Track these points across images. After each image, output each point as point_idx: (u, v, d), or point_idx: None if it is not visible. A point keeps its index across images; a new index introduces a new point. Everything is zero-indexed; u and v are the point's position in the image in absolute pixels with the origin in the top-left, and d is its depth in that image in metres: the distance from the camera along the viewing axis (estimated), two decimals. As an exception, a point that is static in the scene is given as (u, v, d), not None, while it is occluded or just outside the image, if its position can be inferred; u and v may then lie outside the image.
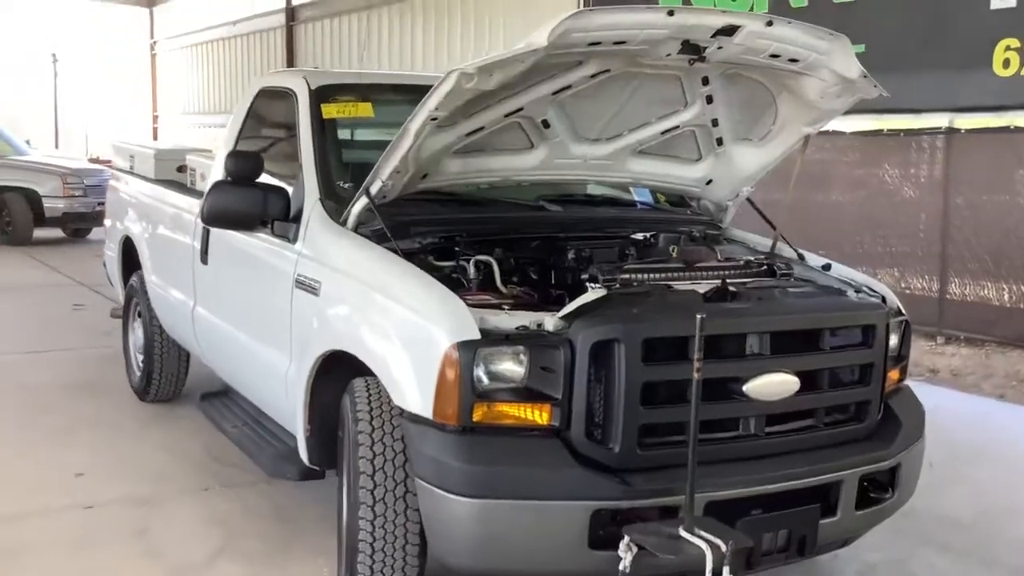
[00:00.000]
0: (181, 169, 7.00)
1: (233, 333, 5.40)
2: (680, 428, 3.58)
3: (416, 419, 3.67)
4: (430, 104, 3.86)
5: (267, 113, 5.69)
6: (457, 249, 4.39)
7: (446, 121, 4.10)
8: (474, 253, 4.36)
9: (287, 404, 4.67)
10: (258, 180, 4.87)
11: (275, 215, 4.75)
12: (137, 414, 6.99)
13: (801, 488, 3.84)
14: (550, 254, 4.53)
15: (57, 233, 16.97)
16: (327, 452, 4.41)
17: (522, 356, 3.61)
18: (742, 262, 4.53)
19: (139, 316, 7.16)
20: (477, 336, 3.57)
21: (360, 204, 4.36)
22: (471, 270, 4.30)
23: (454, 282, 4.23)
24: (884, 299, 4.47)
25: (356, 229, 4.45)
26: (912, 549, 5.06)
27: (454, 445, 3.55)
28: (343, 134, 5.29)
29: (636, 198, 5.63)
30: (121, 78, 29.83)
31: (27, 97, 33.58)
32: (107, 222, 8.18)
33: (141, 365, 7.17)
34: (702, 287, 4.07)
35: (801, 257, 4.97)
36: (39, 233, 16.37)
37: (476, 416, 3.58)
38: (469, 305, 3.78)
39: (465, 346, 3.55)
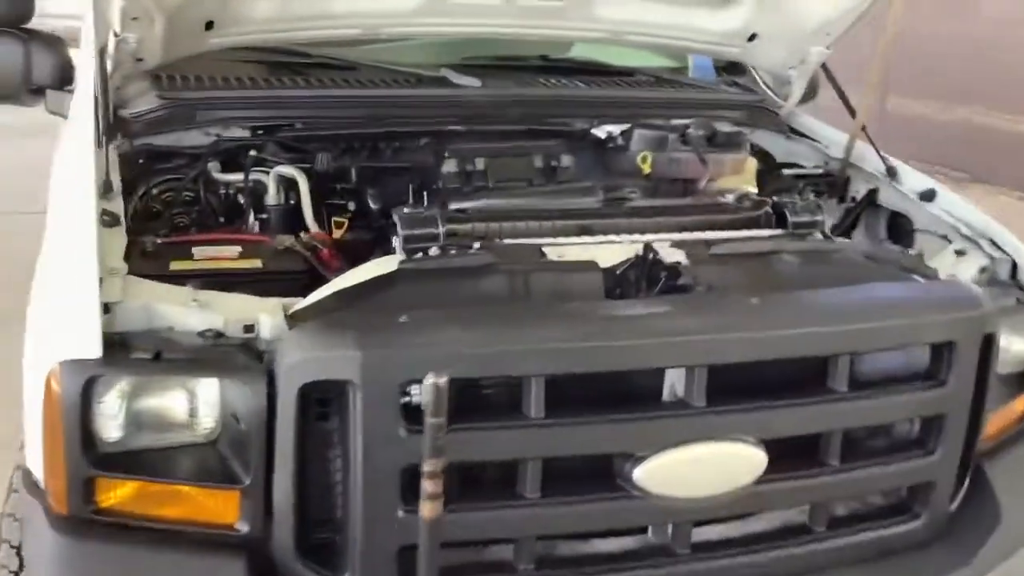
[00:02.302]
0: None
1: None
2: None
3: (30, 486, 2.03)
4: None
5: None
6: (254, 153, 2.63)
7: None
8: (286, 160, 2.62)
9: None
10: (27, 26, 3.19)
11: (45, 80, 3.07)
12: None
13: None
14: (420, 163, 2.70)
15: None
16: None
17: (194, 394, 1.89)
18: (728, 200, 2.55)
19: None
20: (96, 351, 1.84)
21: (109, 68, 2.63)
22: (272, 190, 2.57)
23: (233, 211, 2.54)
24: (1016, 267, 2.43)
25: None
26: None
27: (50, 554, 1.90)
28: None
29: (693, 69, 3.62)
30: None
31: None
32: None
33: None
34: (622, 251, 2.16)
35: (892, 173, 2.91)
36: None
37: (104, 500, 1.90)
38: (168, 275, 2.09)
39: (73, 368, 1.84)
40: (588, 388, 1.90)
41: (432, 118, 2.84)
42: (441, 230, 2.10)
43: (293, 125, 2.78)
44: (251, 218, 2.55)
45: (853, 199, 3.06)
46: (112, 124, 2.71)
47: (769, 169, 3.11)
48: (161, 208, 2.60)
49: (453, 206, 2.54)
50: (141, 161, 2.66)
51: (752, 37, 3.08)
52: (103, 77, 2.54)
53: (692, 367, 1.90)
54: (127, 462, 1.90)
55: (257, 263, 2.21)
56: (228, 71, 2.90)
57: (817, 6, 2.93)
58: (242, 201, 2.57)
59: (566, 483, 1.90)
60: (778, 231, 2.37)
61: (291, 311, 1.96)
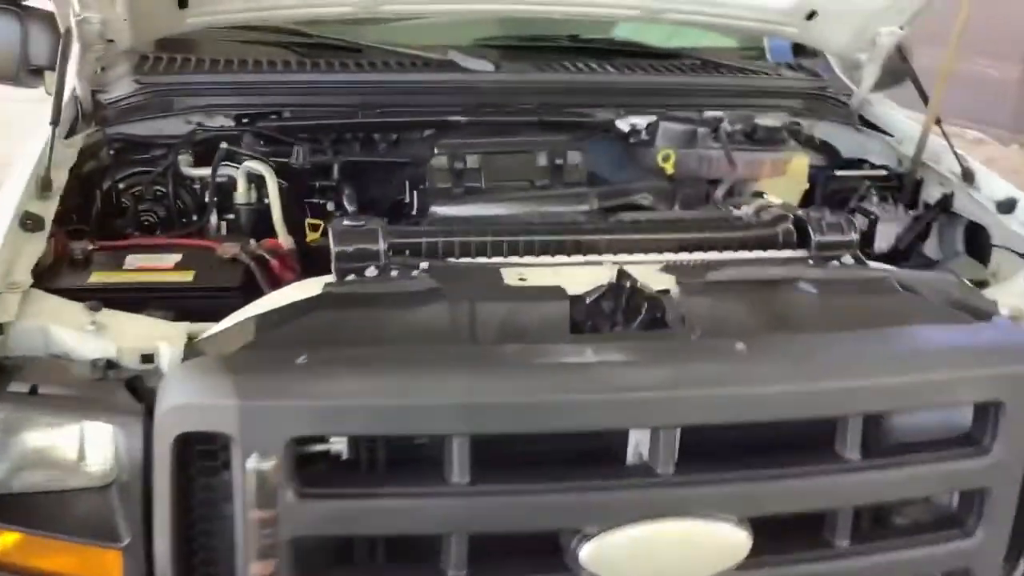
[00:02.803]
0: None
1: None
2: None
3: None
4: None
5: None
6: (226, 146, 2.38)
7: None
8: (263, 153, 2.37)
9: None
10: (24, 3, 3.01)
11: (43, 60, 2.88)
12: None
13: None
14: (411, 159, 2.42)
15: None
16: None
17: (82, 433, 1.65)
18: (743, 212, 2.16)
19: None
20: None
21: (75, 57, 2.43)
22: (241, 187, 2.32)
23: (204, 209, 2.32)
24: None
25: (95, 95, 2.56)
26: None
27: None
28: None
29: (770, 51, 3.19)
30: None
31: None
32: None
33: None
34: (602, 275, 1.82)
35: (968, 177, 2.48)
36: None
37: (-15, 547, 1.69)
38: (85, 289, 1.86)
39: (-56, 400, 1.63)
40: (532, 446, 1.58)
41: (432, 107, 2.54)
42: (381, 247, 1.80)
43: (280, 113, 2.53)
44: (214, 219, 2.31)
45: (926, 205, 2.63)
46: (91, 111, 2.53)
47: (826, 168, 2.71)
48: (130, 204, 2.38)
49: (436, 209, 2.25)
50: (112, 152, 2.45)
51: (811, 15, 2.67)
52: (63, 60, 2.35)
53: (655, 428, 1.56)
54: (13, 505, 1.67)
55: (189, 276, 1.95)
56: (223, 52, 2.66)
57: (886, -20, 2.52)
58: (207, 201, 2.33)
59: (501, 559, 1.59)
60: (798, 252, 1.99)
61: (198, 340, 1.69)
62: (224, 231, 2.33)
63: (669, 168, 2.38)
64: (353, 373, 1.49)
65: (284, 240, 2.23)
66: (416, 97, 2.60)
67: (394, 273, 1.77)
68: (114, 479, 1.66)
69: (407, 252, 1.86)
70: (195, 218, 2.37)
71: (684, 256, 1.93)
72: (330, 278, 1.77)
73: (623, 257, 1.90)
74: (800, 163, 2.55)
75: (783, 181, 2.51)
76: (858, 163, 2.82)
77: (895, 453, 1.67)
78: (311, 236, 2.33)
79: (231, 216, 2.33)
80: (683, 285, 1.77)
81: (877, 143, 2.82)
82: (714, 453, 1.61)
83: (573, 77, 2.71)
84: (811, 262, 1.92)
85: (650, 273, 1.82)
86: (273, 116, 2.52)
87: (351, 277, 1.76)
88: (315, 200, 2.39)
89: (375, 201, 2.45)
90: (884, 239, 2.55)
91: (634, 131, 2.50)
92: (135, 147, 2.47)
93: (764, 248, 1.99)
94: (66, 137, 2.42)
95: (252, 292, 1.92)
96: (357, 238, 1.80)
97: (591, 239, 1.93)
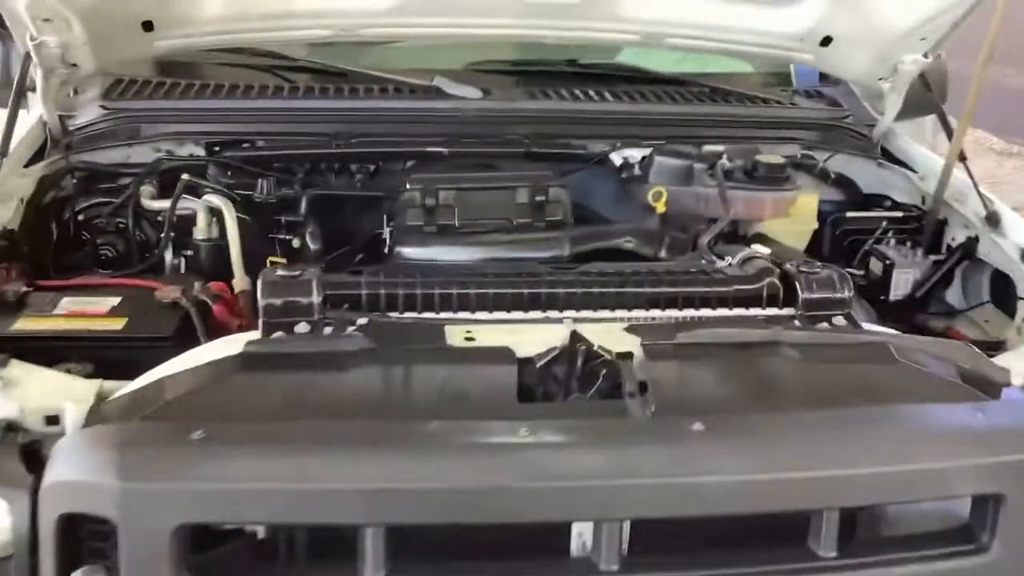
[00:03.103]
0: None
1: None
2: None
3: None
4: None
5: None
6: (188, 177, 2.24)
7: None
8: (226, 185, 2.24)
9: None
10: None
11: (27, 82, 2.79)
12: None
13: None
14: (384, 193, 2.27)
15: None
16: None
17: None
18: (725, 264, 1.96)
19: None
20: None
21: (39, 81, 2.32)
22: (201, 222, 2.19)
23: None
24: None
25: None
26: None
27: None
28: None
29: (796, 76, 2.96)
30: None
31: None
32: None
33: None
34: (560, 334, 1.63)
35: (993, 221, 2.26)
36: None
37: None
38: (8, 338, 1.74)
39: None
40: (462, 533, 1.41)
41: (414, 137, 2.38)
42: (315, 300, 1.64)
43: (254, 142, 2.39)
44: (170, 255, 2.17)
45: (949, 248, 2.41)
46: (60, 137, 2.42)
47: (841, 206, 2.50)
48: (90, 237, 2.27)
49: (402, 250, 2.09)
50: (75, 181, 2.33)
51: (826, 41, 2.47)
52: (19, 85, 2.24)
53: (606, 521, 1.38)
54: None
55: (120, 324, 1.80)
56: (214, 76, 2.53)
57: (904, 5, 2.31)
58: (174, 233, 2.20)
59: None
60: (784, 311, 1.79)
61: (106, 401, 1.55)
62: (184, 268, 2.19)
63: (660, 207, 2.19)
64: (249, 453, 1.33)
65: (241, 281, 2.09)
66: (398, 126, 2.45)
67: (327, 330, 1.61)
68: (13, 552, 1.53)
69: (346, 305, 1.70)
70: (156, 253, 2.24)
71: (654, 313, 1.75)
72: (245, 337, 1.61)
73: (585, 314, 1.72)
74: (807, 202, 2.35)
75: (789, 222, 2.31)
76: (880, 199, 2.61)
77: (878, 550, 1.47)
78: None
79: (191, 252, 2.19)
80: (647, 348, 1.59)
81: (899, 178, 2.61)
82: (669, 545, 1.43)
83: (567, 105, 2.53)
84: (797, 323, 1.72)
85: (613, 333, 1.64)
86: (246, 145, 2.39)
87: (278, 334, 1.60)
88: (281, 236, 2.24)
89: (349, 237, 2.31)
90: (900, 286, 2.34)
91: (626, 165, 2.32)
92: (99, 176, 2.35)
93: (746, 305, 1.79)
94: (26, 165, 2.31)
95: (188, 341, 1.78)
96: (287, 289, 1.64)
97: (551, 292, 1.75)
